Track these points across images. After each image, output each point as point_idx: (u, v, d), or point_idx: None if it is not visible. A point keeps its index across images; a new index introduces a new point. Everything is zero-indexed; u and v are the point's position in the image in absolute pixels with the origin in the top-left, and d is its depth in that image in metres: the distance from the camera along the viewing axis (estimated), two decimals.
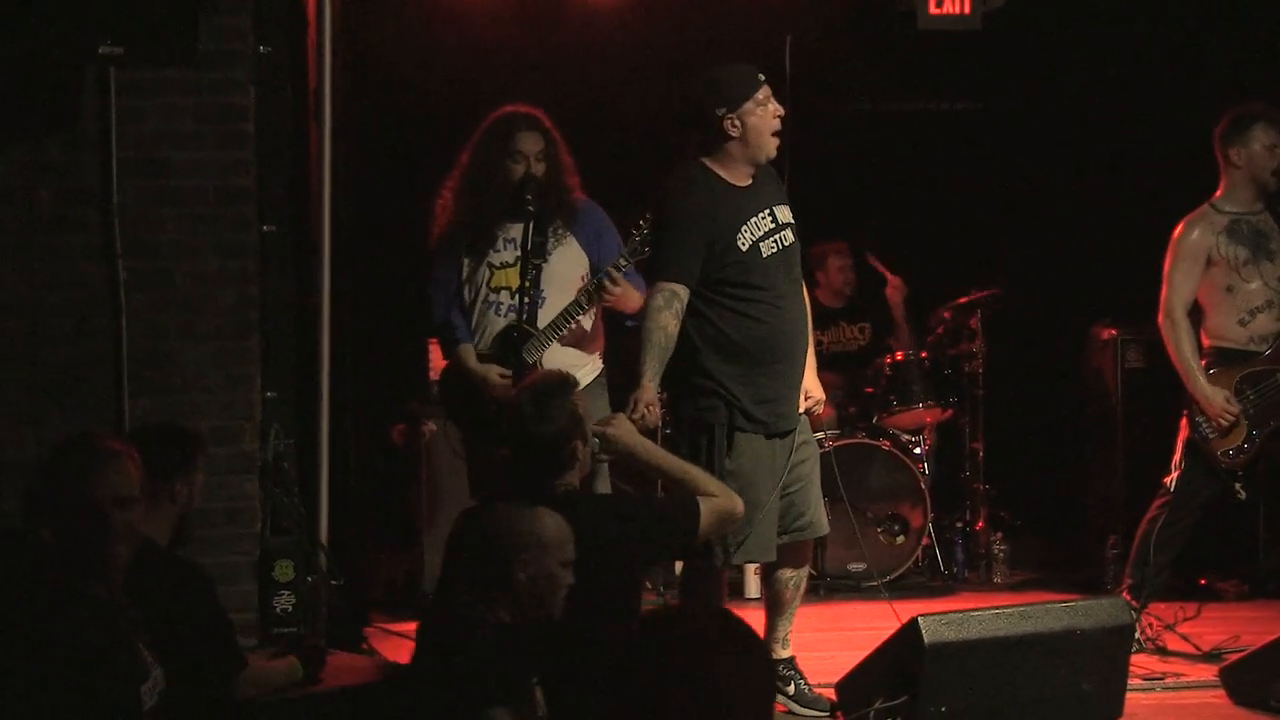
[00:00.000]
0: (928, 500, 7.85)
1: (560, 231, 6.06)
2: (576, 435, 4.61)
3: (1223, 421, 6.34)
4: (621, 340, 6.10)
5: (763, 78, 5.52)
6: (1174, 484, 6.46)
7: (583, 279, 6.05)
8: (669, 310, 5.39)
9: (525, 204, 5.93)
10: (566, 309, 5.96)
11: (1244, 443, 6.37)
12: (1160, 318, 6.46)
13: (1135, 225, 7.97)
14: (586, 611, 4.14)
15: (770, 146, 5.54)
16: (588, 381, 5.97)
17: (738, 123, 5.46)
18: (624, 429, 4.94)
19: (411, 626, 4.95)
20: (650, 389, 5.35)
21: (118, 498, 3.70)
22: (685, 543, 4.83)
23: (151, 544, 4.33)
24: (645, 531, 4.66)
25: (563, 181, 6.11)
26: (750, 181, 5.59)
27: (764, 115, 5.48)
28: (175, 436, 4.81)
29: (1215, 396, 6.33)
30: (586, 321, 6.10)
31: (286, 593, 5.99)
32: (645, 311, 5.42)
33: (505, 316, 6.01)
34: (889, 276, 8.47)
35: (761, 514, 5.41)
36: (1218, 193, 6.50)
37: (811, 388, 5.74)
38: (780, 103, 5.54)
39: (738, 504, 4.86)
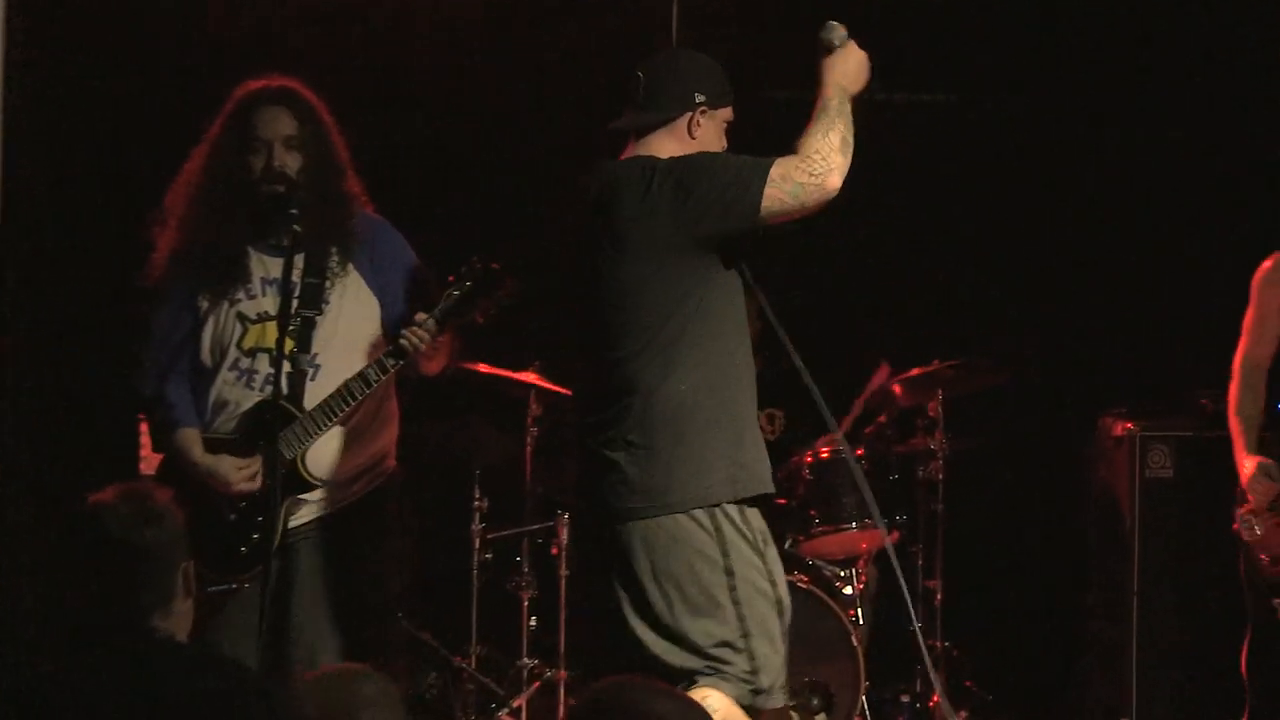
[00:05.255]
0: (861, 663, 7.41)
1: (337, 265, 5.70)
2: (187, 556, 4.26)
3: (1255, 497, 6.40)
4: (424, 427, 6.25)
5: None
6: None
7: (373, 334, 5.77)
8: None
9: (288, 222, 5.52)
10: (348, 384, 5.57)
11: None
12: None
13: (1167, 276, 8.27)
14: None
15: None
16: (370, 487, 5.70)
17: (704, 122, 5.33)
18: None
19: None
20: None
21: None
22: None
23: None
24: None
25: (333, 185, 5.72)
26: None
27: (720, 134, 5.42)
28: None
29: (1249, 465, 6.45)
30: (376, 400, 5.73)
31: None
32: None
33: (264, 390, 5.66)
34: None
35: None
36: None
37: None
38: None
39: None
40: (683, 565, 4.98)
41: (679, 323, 5.08)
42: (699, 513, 5.00)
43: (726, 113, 5.40)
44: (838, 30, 5.22)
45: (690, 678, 4.97)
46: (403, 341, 5.52)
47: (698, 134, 5.33)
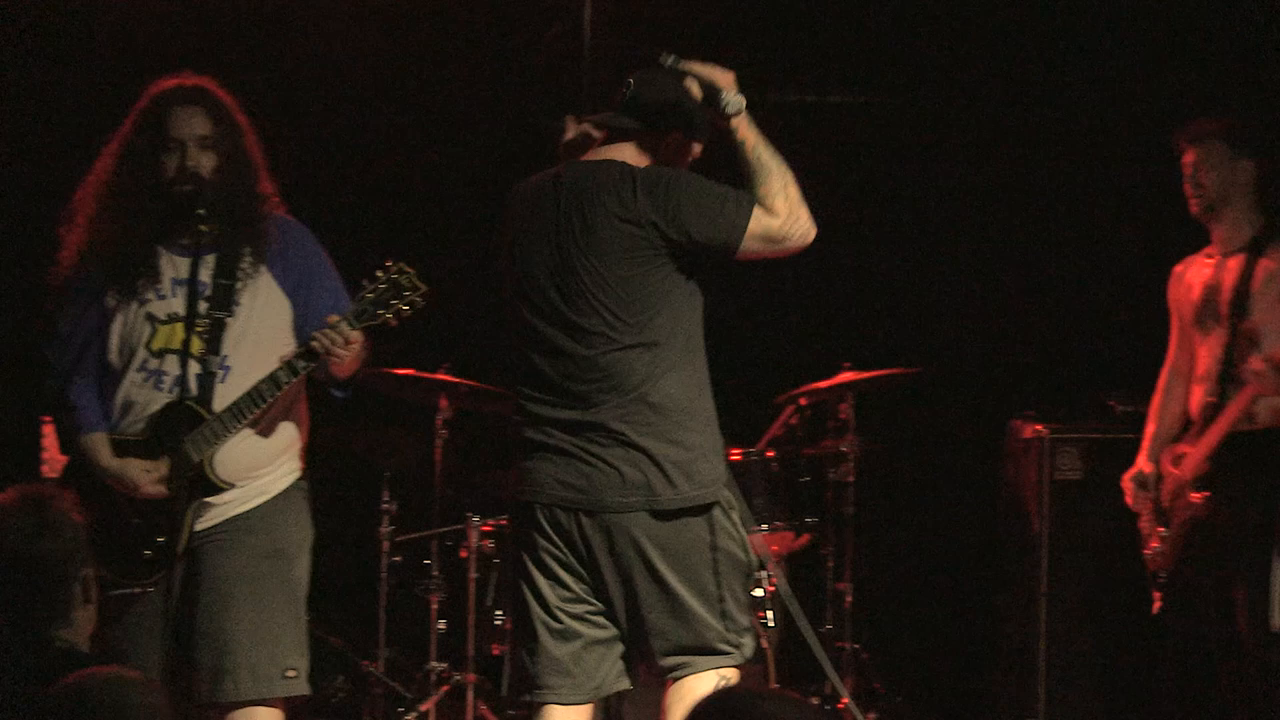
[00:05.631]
0: (771, 665, 7.39)
1: (249, 266, 5.64)
2: (87, 563, 4.34)
3: (1130, 503, 6.74)
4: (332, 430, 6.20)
5: None
6: None
7: (284, 337, 5.71)
8: None
9: (196, 222, 5.48)
10: (258, 386, 5.52)
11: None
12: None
13: (1077, 279, 8.38)
14: None
15: None
16: (279, 490, 5.64)
17: (676, 147, 5.48)
18: None
19: None
20: None
21: None
22: None
23: None
24: None
25: (246, 186, 5.66)
26: None
27: (685, 164, 5.54)
28: None
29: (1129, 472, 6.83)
30: (286, 403, 5.68)
31: None
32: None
33: (172, 392, 5.58)
34: None
35: None
36: None
37: None
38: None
39: None
40: (692, 555, 5.20)
41: (663, 324, 5.20)
42: (703, 507, 5.21)
43: (698, 148, 5.51)
44: (732, 96, 5.29)
45: (699, 659, 5.21)
46: (314, 344, 5.48)
47: (666, 155, 5.43)
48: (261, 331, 5.63)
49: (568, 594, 5.26)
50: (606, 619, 5.35)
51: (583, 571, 5.27)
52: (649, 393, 5.21)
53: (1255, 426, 6.50)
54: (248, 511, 5.60)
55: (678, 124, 5.48)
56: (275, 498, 5.62)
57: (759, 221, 5.22)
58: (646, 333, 5.25)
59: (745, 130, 5.27)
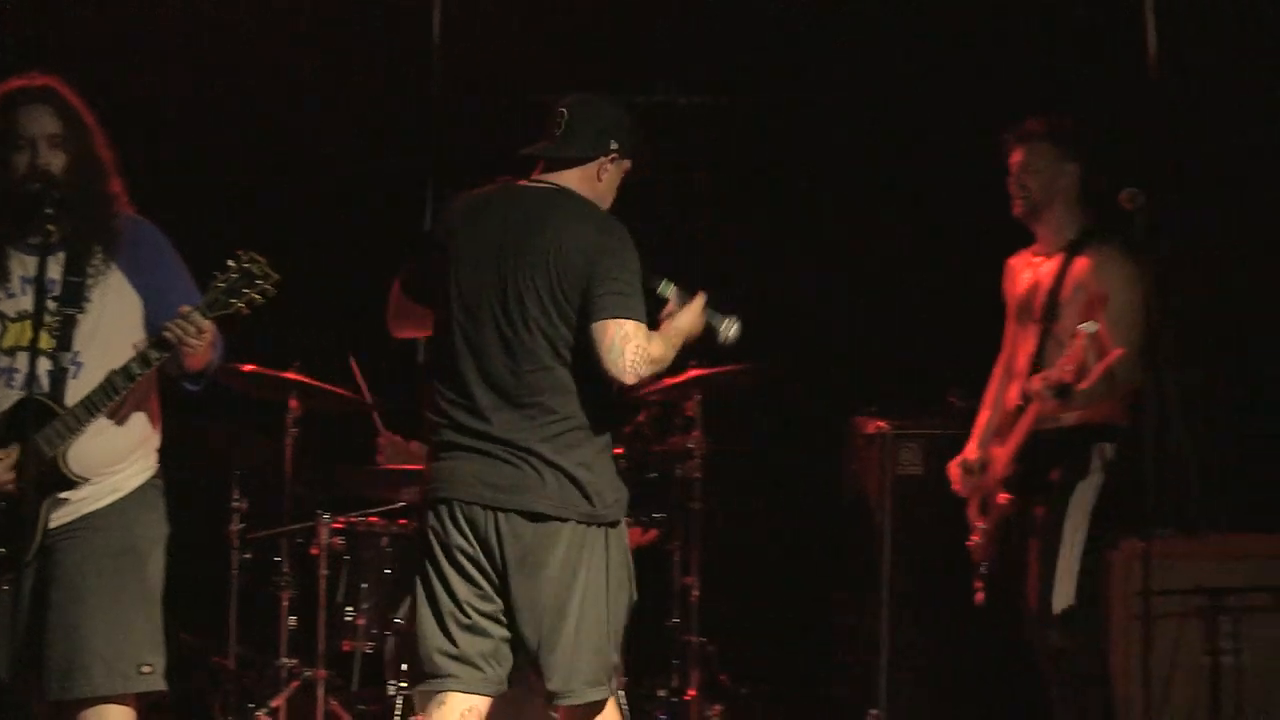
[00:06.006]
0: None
1: (100, 264, 5.61)
2: None
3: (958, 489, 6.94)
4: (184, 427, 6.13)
5: None
6: None
7: (136, 333, 5.65)
8: None
9: (43, 221, 5.47)
10: (111, 378, 5.47)
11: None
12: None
13: (917, 277, 8.40)
14: None
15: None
16: (133, 487, 5.59)
17: (611, 169, 5.71)
18: None
19: None
20: None
21: None
22: None
23: None
24: None
25: (96, 185, 5.64)
26: None
27: (618, 181, 5.76)
28: None
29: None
30: (139, 398, 5.63)
31: None
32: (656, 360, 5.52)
33: (24, 390, 5.53)
34: None
35: None
36: None
37: None
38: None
39: None
40: (592, 574, 5.37)
41: (583, 348, 5.36)
42: (606, 526, 5.41)
43: (628, 164, 5.72)
44: (731, 328, 5.71)
45: (582, 688, 5.37)
46: (167, 334, 5.44)
47: (604, 178, 5.68)
48: (113, 328, 5.60)
49: (478, 591, 5.38)
50: (508, 619, 5.46)
51: (490, 572, 5.39)
52: (571, 414, 5.39)
53: (1060, 425, 6.65)
54: (102, 509, 5.57)
55: (613, 146, 5.65)
56: (129, 495, 5.60)
57: (630, 340, 5.35)
58: (571, 355, 5.41)
59: (692, 328, 5.59)
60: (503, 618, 5.44)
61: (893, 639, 7.80)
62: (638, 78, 8.97)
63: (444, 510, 5.45)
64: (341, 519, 7.70)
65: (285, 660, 7.59)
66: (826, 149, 8.95)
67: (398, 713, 7.38)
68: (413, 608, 5.60)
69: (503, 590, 5.40)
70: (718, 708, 7.80)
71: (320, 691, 7.49)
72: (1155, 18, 7.04)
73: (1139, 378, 6.60)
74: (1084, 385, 6.54)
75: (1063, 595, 6.60)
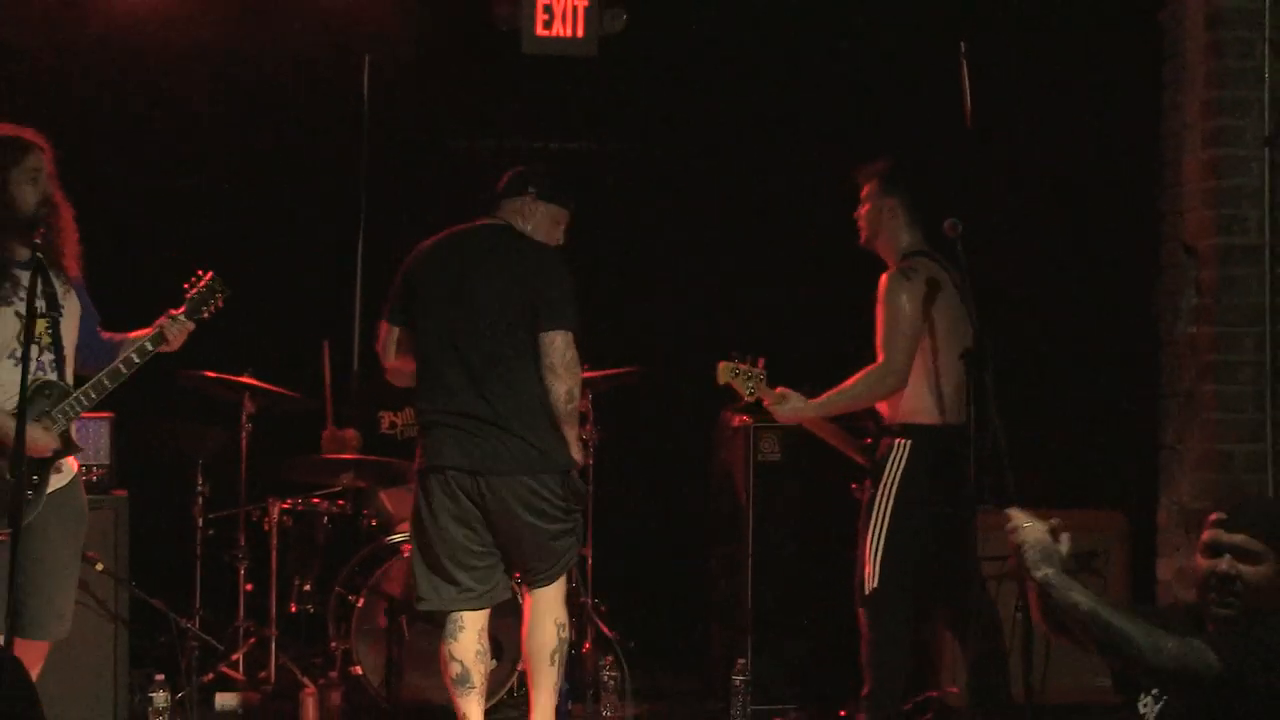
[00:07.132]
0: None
1: (63, 279, 6.14)
2: None
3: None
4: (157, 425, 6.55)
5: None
6: None
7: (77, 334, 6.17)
8: None
9: (33, 238, 5.84)
10: (117, 365, 6.08)
11: None
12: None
13: (779, 287, 8.68)
14: None
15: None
16: (67, 481, 6.14)
17: (533, 207, 6.84)
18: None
19: None
20: None
21: None
22: None
23: None
24: None
25: (60, 218, 6.16)
26: None
27: (552, 223, 6.91)
28: None
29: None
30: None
31: None
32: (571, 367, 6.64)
33: (36, 375, 5.98)
34: None
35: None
36: None
37: None
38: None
39: None
40: (558, 502, 6.67)
41: (529, 347, 6.59)
42: (563, 473, 6.67)
43: (555, 210, 6.84)
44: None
45: (554, 569, 6.73)
46: (165, 331, 6.10)
47: (529, 215, 6.83)
48: (72, 331, 6.14)
49: (471, 534, 6.59)
50: (494, 549, 6.67)
51: (478, 518, 6.59)
52: (527, 399, 6.59)
53: (881, 420, 6.96)
54: (71, 480, 6.10)
55: (530, 189, 6.81)
56: (76, 474, 6.14)
57: (567, 345, 6.60)
58: (525, 353, 6.59)
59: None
60: (486, 550, 6.67)
61: (756, 601, 8.03)
62: (535, 124, 9.35)
63: (440, 476, 6.64)
64: (289, 501, 8.12)
65: (242, 621, 8.05)
66: (707, 180, 9.34)
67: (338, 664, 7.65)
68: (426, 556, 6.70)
69: (486, 530, 6.62)
70: (609, 659, 7.84)
71: (273, 646, 7.97)
72: (970, 79, 7.07)
73: (892, 384, 6.81)
74: (837, 388, 6.90)
75: (868, 578, 6.78)
